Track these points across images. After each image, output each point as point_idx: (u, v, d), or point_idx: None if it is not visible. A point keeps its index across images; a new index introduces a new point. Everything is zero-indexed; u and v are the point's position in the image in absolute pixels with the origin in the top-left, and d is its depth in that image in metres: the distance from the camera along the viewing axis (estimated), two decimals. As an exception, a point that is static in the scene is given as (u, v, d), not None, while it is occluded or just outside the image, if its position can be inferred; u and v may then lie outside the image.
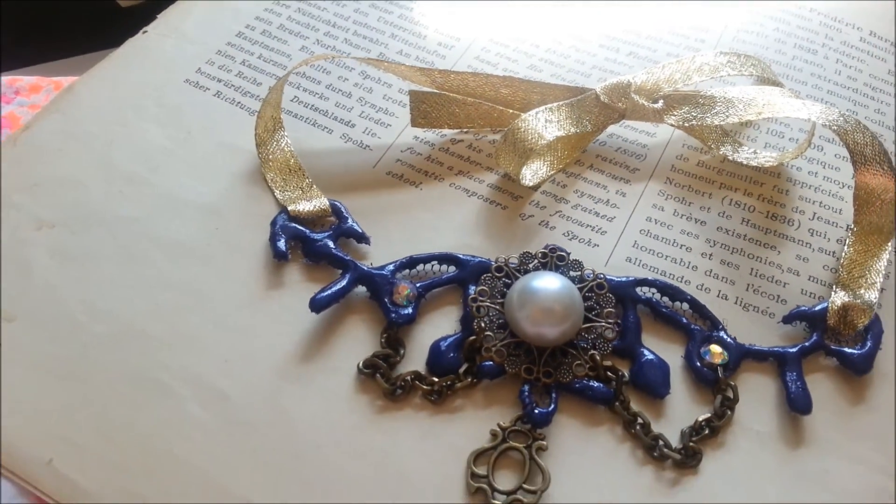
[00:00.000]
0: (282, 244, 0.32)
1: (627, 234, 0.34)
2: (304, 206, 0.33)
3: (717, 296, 0.32)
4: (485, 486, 0.28)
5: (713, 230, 0.34)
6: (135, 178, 0.34)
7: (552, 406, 0.29)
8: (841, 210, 0.35)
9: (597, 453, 0.29)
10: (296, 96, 0.38)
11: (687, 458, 0.28)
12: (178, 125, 0.36)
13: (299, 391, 0.29)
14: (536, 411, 0.29)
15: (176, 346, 0.30)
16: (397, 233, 0.34)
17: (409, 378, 0.30)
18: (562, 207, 0.35)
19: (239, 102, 0.37)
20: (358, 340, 0.31)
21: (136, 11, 0.45)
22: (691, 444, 0.29)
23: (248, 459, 0.28)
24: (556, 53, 0.41)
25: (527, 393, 0.29)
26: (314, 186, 0.34)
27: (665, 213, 0.35)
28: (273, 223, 0.33)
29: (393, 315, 0.30)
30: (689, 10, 0.43)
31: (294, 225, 0.33)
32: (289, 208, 0.33)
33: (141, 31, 0.40)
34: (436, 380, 0.30)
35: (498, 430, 0.29)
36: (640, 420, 0.29)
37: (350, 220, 0.33)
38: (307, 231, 0.33)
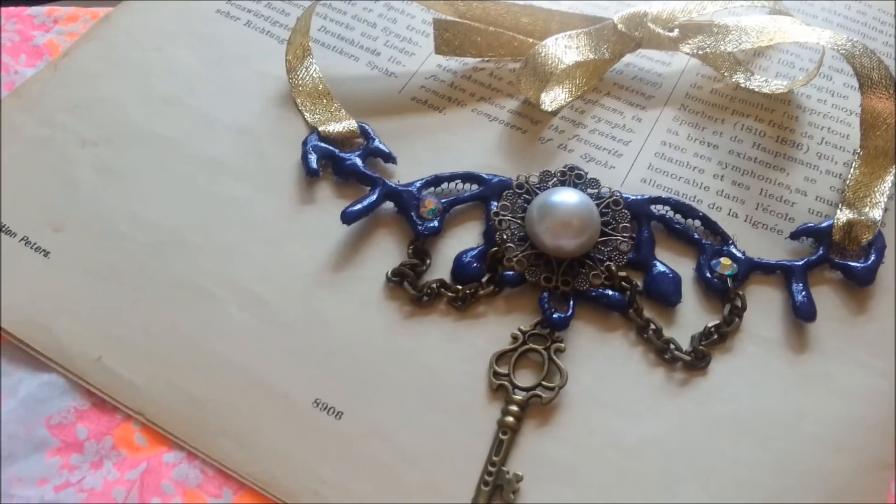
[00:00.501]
0: (313, 162, 0.34)
1: (643, 156, 0.35)
2: (334, 127, 0.35)
3: (728, 214, 0.34)
4: (506, 383, 0.30)
5: (725, 153, 0.36)
6: (171, 100, 0.36)
7: (570, 312, 0.31)
8: (848, 135, 0.36)
9: (611, 355, 0.31)
10: (323, 26, 0.39)
11: (696, 360, 0.30)
12: (211, 52, 0.38)
13: (332, 296, 0.31)
14: (555, 316, 0.30)
15: (215, 255, 0.32)
16: (422, 154, 0.35)
17: (434, 286, 0.31)
18: (579, 132, 0.36)
19: (269, 31, 0.39)
20: (386, 251, 0.32)
21: None
22: (701, 347, 0.30)
23: (286, 357, 0.30)
24: None
25: (546, 300, 0.31)
26: (342, 110, 0.36)
27: (679, 138, 0.36)
28: (305, 143, 0.34)
29: (420, 227, 0.32)
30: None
31: (324, 145, 0.34)
32: (319, 129, 0.35)
33: None
34: (460, 288, 0.31)
35: (519, 333, 0.31)
36: (652, 325, 0.31)
37: (377, 141, 0.35)
38: (337, 150, 0.34)
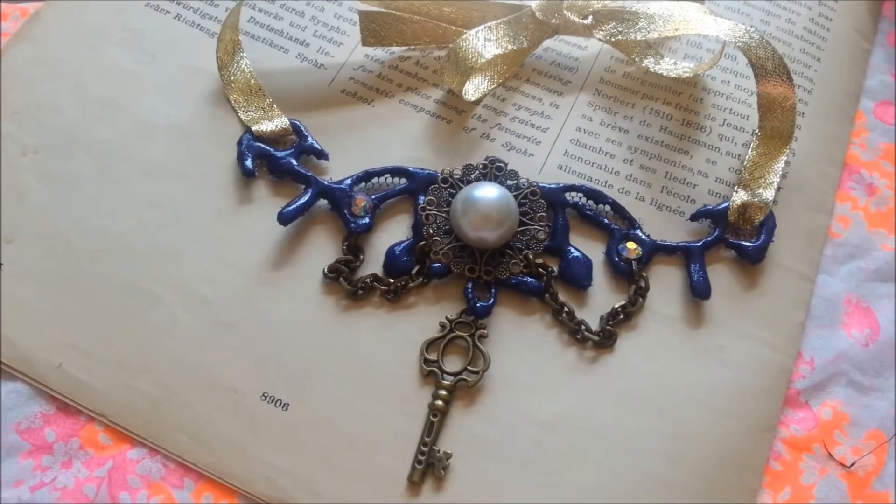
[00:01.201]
0: (249, 163, 0.36)
1: (559, 143, 0.38)
2: (267, 126, 0.37)
3: (636, 198, 0.37)
4: (435, 369, 0.33)
5: (635, 138, 0.38)
6: (107, 103, 0.37)
7: (491, 300, 0.34)
8: (748, 116, 0.39)
9: (529, 338, 0.34)
10: (252, 17, 0.40)
11: (604, 339, 0.34)
12: (142, 49, 0.39)
13: (273, 294, 0.34)
14: (478, 305, 0.34)
15: (160, 258, 0.34)
16: (353, 148, 0.37)
17: (368, 280, 0.34)
18: (501, 120, 0.38)
19: (199, 25, 0.40)
20: (322, 248, 0.35)
21: None
22: (608, 327, 0.34)
23: (233, 354, 0.33)
24: None
25: (470, 289, 0.34)
26: (274, 106, 0.37)
27: (593, 123, 0.39)
28: (239, 143, 0.36)
29: (352, 225, 0.35)
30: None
31: (259, 144, 0.36)
32: (252, 128, 0.37)
33: None
34: (391, 281, 0.34)
35: (446, 321, 0.34)
36: (566, 308, 0.34)
37: (310, 139, 0.37)
38: (271, 150, 0.36)
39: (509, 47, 0.37)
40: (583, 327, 0.34)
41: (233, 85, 0.38)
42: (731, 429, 0.33)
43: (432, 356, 0.33)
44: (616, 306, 0.34)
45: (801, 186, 0.38)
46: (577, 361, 0.34)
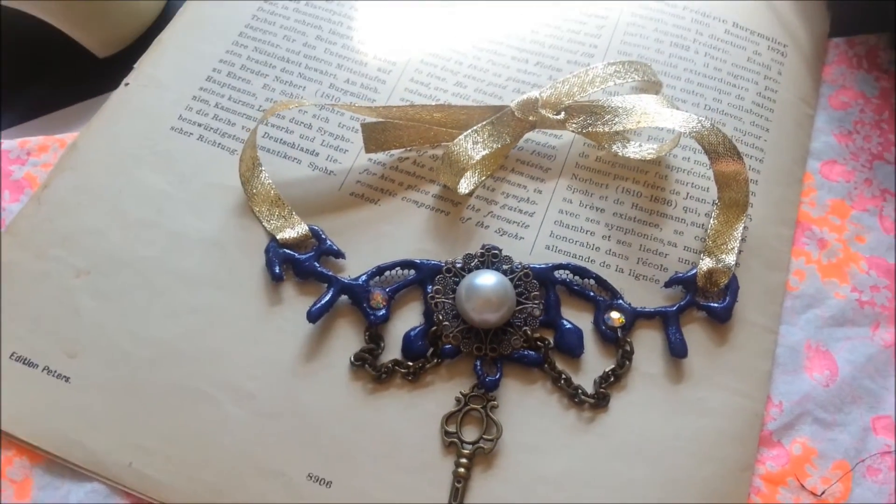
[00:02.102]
0: (277, 269, 0.41)
1: (545, 225, 0.43)
2: (289, 234, 0.42)
3: (616, 270, 0.42)
4: (455, 440, 0.38)
5: (610, 215, 0.43)
6: (145, 222, 0.42)
7: (498, 374, 0.39)
8: (708, 188, 0.44)
9: (534, 404, 0.39)
10: (266, 133, 0.45)
11: (599, 400, 0.39)
12: (171, 170, 0.44)
13: (307, 384, 0.39)
14: (488, 380, 0.39)
15: (206, 360, 0.39)
16: (366, 245, 0.42)
17: (389, 365, 0.39)
18: (492, 208, 0.44)
19: (220, 144, 0.45)
20: (346, 339, 0.40)
21: (113, 60, 0.50)
22: (601, 389, 0.39)
23: (277, 440, 0.37)
24: (476, 69, 0.48)
25: (479, 366, 0.39)
26: (294, 214, 0.42)
27: (573, 205, 0.44)
28: (267, 251, 0.41)
29: (371, 317, 0.40)
30: (582, 18, 0.51)
31: (284, 250, 0.41)
32: (277, 236, 0.42)
33: (123, 84, 0.46)
34: (410, 364, 0.39)
35: (461, 396, 0.39)
36: (563, 375, 0.39)
37: (328, 241, 0.42)
38: (295, 254, 0.41)
39: (494, 146, 0.42)
40: (580, 391, 0.39)
41: (256, 198, 0.43)
42: (713, 471, 0.38)
43: (451, 428, 0.38)
44: (607, 370, 0.39)
45: (759, 248, 0.43)
46: (576, 422, 0.39)
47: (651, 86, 0.47)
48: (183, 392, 0.38)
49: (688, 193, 0.44)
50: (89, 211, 0.42)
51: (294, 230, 0.42)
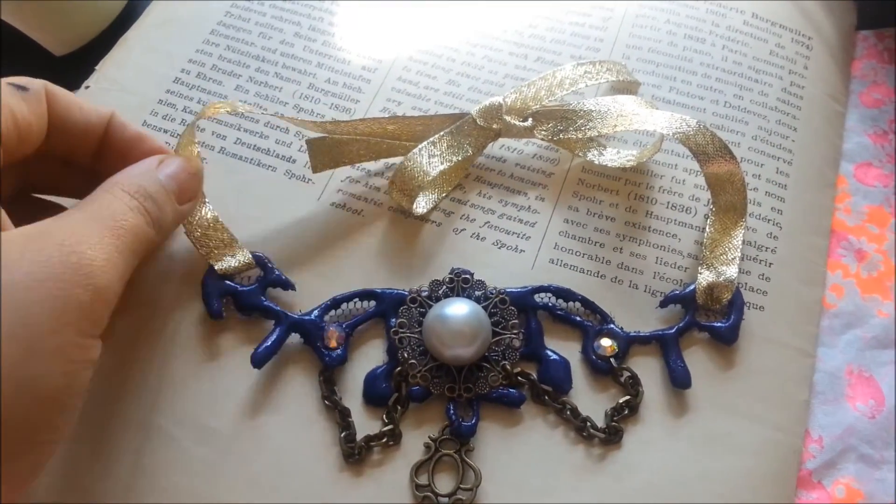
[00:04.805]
0: (215, 303, 0.35)
1: (549, 236, 0.38)
2: (230, 263, 0.36)
3: (629, 285, 0.37)
4: (429, 493, 0.32)
5: (622, 224, 0.38)
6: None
7: (474, 419, 0.33)
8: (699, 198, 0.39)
9: (519, 444, 0.34)
10: (238, 138, 0.41)
11: (611, 435, 0.33)
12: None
13: (258, 440, 0.34)
14: (463, 425, 0.33)
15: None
16: (346, 261, 0.37)
17: (362, 443, 0.33)
18: (489, 218, 0.39)
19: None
20: (299, 385, 0.35)
21: (71, 59, 0.47)
22: (614, 423, 0.34)
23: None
24: (471, 66, 0.44)
25: (452, 410, 0.34)
26: (235, 239, 0.36)
27: (580, 214, 0.39)
28: (203, 283, 0.36)
29: (327, 359, 0.34)
30: (585, 9, 0.46)
31: (224, 282, 0.36)
32: (216, 266, 0.36)
33: (83, 87, 0.42)
34: (384, 433, 0.34)
35: (430, 441, 0.33)
36: (568, 406, 0.34)
37: (275, 271, 0.36)
38: (238, 286, 0.36)
39: (454, 159, 0.37)
40: (588, 424, 0.34)
41: (189, 221, 0.36)
42: (744, 515, 0.32)
43: (422, 480, 0.33)
44: (620, 402, 0.34)
45: (791, 260, 0.38)
46: (584, 461, 0.33)
47: (628, 86, 0.42)
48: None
49: (670, 203, 0.39)
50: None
51: (235, 259, 0.36)
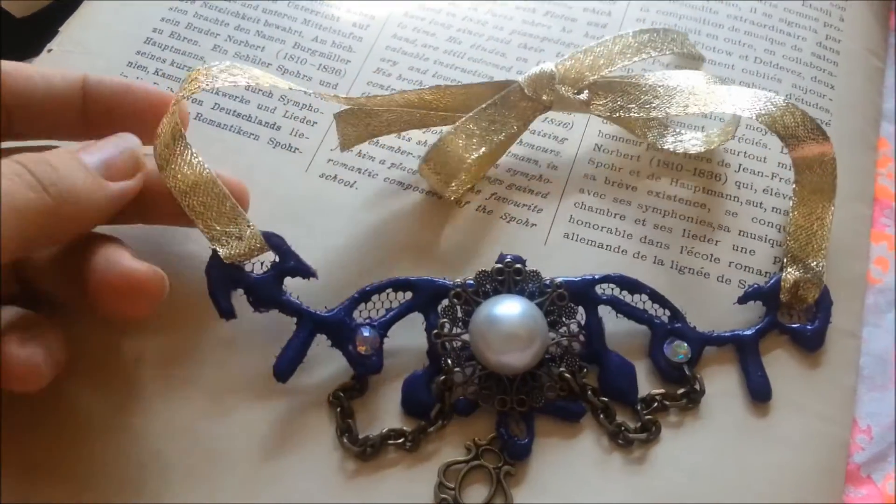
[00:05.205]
0: (222, 300, 0.30)
1: (563, 209, 0.35)
2: (237, 246, 0.30)
3: (654, 261, 0.34)
4: (448, 497, 0.29)
5: (644, 194, 0.35)
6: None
7: (527, 439, 0.30)
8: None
9: (573, 460, 0.30)
10: (216, 103, 0.37)
11: (647, 432, 0.30)
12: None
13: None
14: (517, 444, 0.30)
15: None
16: (342, 239, 0.34)
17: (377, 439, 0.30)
18: (496, 189, 0.35)
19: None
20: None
21: (33, 20, 0.43)
22: (646, 416, 0.30)
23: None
24: (473, 21, 0.41)
25: (502, 426, 0.30)
26: (242, 215, 0.30)
27: (597, 183, 0.36)
28: (208, 271, 0.30)
29: (360, 368, 0.30)
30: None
31: (233, 270, 0.30)
32: (220, 251, 0.30)
33: (46, 50, 0.39)
34: (406, 431, 0.30)
35: (472, 445, 0.30)
36: (607, 408, 0.30)
37: (292, 259, 0.31)
38: (252, 275, 0.30)
39: (497, 139, 0.33)
40: (622, 428, 0.30)
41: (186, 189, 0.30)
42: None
43: (450, 483, 0.29)
44: (653, 393, 0.31)
45: (833, 230, 0.34)
46: (621, 464, 0.30)
47: (689, 62, 0.39)
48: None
49: (740, 165, 0.36)
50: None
51: (242, 241, 0.30)
